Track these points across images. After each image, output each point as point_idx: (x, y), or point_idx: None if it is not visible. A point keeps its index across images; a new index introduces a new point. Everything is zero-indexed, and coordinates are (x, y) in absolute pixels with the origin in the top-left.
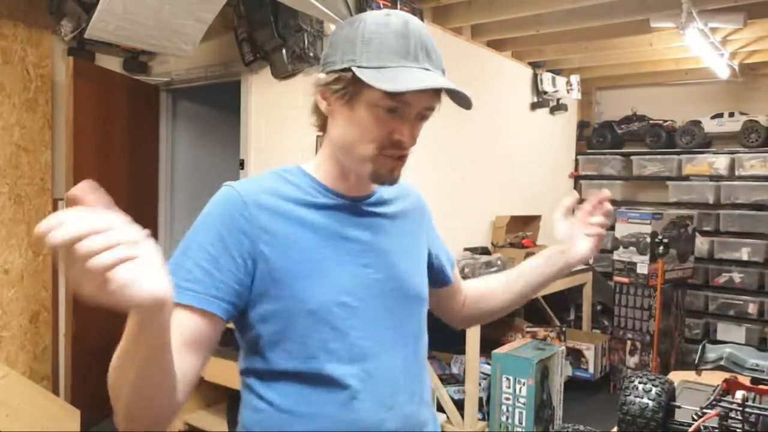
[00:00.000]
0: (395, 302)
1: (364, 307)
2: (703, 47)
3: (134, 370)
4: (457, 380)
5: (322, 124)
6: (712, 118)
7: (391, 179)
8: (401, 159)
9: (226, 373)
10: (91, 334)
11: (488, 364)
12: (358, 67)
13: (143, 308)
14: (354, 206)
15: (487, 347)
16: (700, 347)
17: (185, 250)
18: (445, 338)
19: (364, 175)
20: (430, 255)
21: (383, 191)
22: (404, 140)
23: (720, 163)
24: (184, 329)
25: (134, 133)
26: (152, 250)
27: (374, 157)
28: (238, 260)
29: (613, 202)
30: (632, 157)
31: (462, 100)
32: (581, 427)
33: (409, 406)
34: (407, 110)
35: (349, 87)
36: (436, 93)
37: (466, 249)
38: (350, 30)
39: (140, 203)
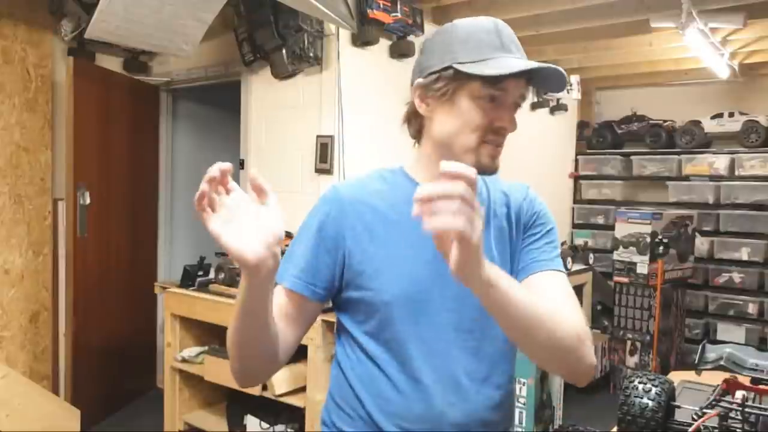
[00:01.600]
0: (477, 303)
1: (446, 307)
2: (703, 47)
3: (243, 324)
4: None
5: (418, 130)
6: (712, 118)
7: (492, 167)
8: (500, 147)
9: (226, 373)
10: (91, 334)
11: None
12: (460, 63)
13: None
14: None
15: None
16: (700, 347)
17: (296, 241)
18: None
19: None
20: (516, 262)
21: (480, 190)
22: (506, 125)
23: (720, 163)
24: (284, 305)
25: (134, 133)
26: None
27: (476, 146)
28: (332, 253)
29: (613, 202)
30: (632, 157)
31: (552, 85)
32: (581, 427)
33: (473, 402)
34: (505, 98)
35: (450, 83)
36: (527, 83)
37: None
38: (444, 36)
39: (140, 203)
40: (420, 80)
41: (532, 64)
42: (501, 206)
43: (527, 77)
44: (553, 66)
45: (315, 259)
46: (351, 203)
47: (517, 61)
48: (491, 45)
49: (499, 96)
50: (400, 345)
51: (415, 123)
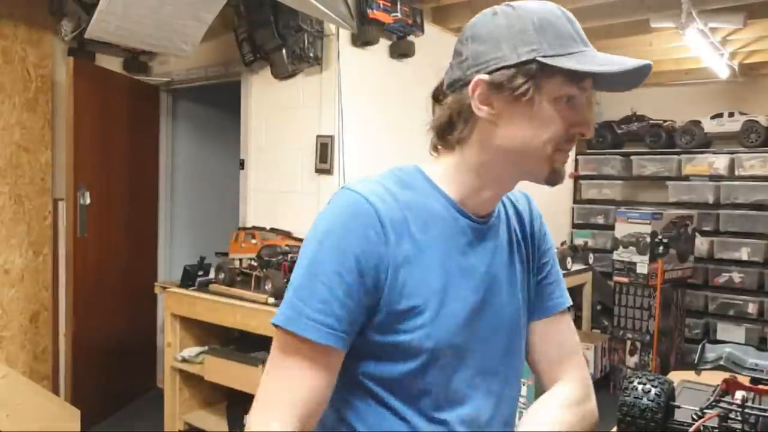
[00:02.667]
0: (503, 343)
1: (473, 348)
2: (703, 47)
3: None
4: None
5: (463, 136)
6: (712, 118)
7: (562, 177)
8: (568, 154)
9: (226, 373)
10: (91, 334)
11: None
12: (545, 56)
13: None
14: (478, 228)
15: None
16: (700, 347)
17: (316, 273)
18: None
19: (540, 176)
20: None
21: (499, 208)
22: (587, 131)
23: (720, 163)
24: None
25: (134, 133)
26: None
27: (552, 154)
28: (371, 292)
29: (613, 202)
30: (632, 157)
31: (623, 82)
32: None
33: None
34: (582, 98)
35: (530, 81)
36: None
37: None
38: (510, 20)
39: (140, 203)
40: (485, 77)
41: (638, 61)
42: (515, 222)
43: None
44: (649, 64)
45: (356, 304)
46: (391, 222)
47: (604, 57)
48: (569, 35)
49: (577, 96)
50: (430, 396)
51: (463, 127)
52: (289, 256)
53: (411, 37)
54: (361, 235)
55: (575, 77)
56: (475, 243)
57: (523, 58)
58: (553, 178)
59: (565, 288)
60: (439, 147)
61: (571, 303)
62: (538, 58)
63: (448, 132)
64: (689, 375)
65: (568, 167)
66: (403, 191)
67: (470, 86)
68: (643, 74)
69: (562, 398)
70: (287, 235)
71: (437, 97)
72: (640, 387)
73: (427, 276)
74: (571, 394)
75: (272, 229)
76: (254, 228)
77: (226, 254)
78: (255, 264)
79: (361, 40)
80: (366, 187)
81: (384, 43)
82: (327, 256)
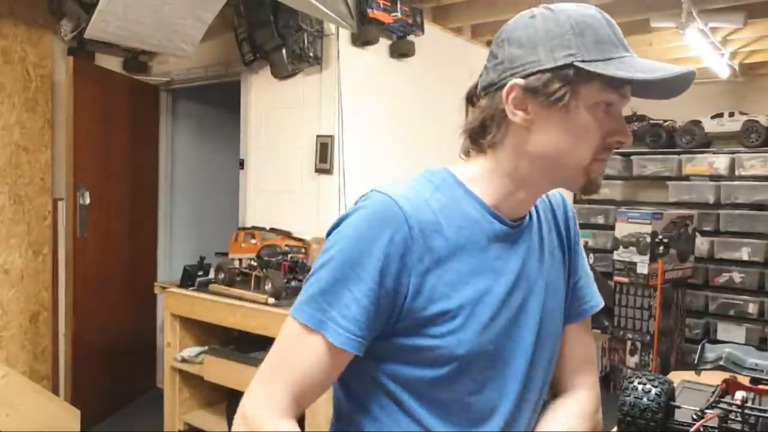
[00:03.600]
0: (541, 350)
1: (509, 356)
2: (703, 47)
3: None
4: None
5: (495, 143)
6: (712, 117)
7: (598, 187)
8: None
9: (226, 373)
10: (91, 334)
11: None
12: (583, 61)
13: None
14: (512, 233)
15: None
16: (699, 347)
17: (342, 277)
18: None
19: (575, 186)
20: (569, 279)
21: (534, 209)
22: (625, 139)
23: (720, 163)
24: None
25: (134, 133)
26: None
27: (590, 164)
28: (391, 296)
29: (614, 202)
30: (632, 157)
31: (665, 91)
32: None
33: None
34: (619, 106)
35: (567, 86)
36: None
37: None
38: (547, 24)
39: (140, 203)
40: (519, 81)
41: (682, 68)
42: (551, 223)
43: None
44: (693, 71)
45: (377, 310)
46: (419, 225)
47: (645, 63)
48: (608, 40)
49: (615, 103)
50: (463, 406)
51: (496, 132)
52: (289, 256)
53: (411, 37)
54: (387, 240)
55: (614, 83)
56: (509, 247)
57: (560, 63)
58: (588, 188)
59: (596, 289)
60: (471, 150)
61: (603, 303)
62: (575, 63)
63: (480, 136)
64: (690, 375)
65: None
66: (435, 194)
67: (505, 90)
68: (687, 81)
69: (580, 408)
70: (287, 235)
71: (471, 99)
72: (640, 387)
73: (459, 281)
74: (588, 404)
75: (272, 229)
76: (254, 228)
77: (225, 254)
78: (255, 264)
79: (361, 39)
80: (396, 191)
81: (384, 43)
82: (353, 259)
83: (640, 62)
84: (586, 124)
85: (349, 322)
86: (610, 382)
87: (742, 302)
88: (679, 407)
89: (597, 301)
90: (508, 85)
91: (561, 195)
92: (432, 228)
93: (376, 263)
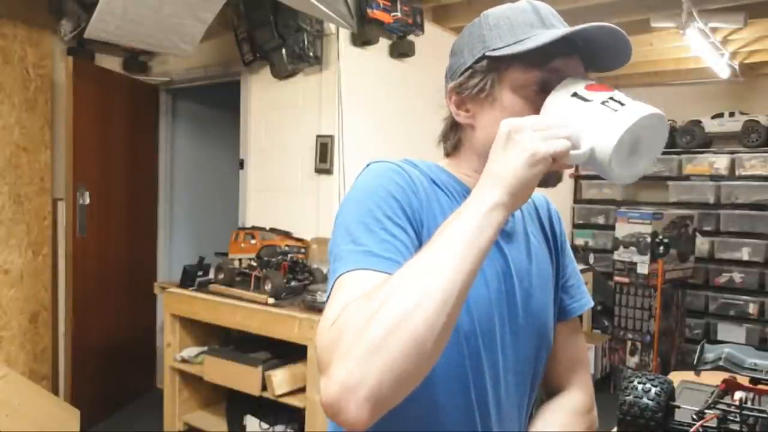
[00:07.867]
0: (535, 343)
1: (503, 343)
2: (703, 47)
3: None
4: None
5: (455, 145)
6: (713, 117)
7: (558, 179)
8: None
9: (226, 373)
10: (90, 334)
11: None
12: (492, 49)
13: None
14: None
15: None
16: (699, 347)
17: (368, 222)
18: None
19: None
20: (558, 279)
21: (519, 210)
22: None
23: (720, 163)
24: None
25: (134, 133)
26: None
27: None
28: (414, 234)
29: (614, 202)
30: None
31: (612, 58)
32: None
33: None
34: (557, 83)
35: (486, 76)
36: (582, 60)
37: None
38: (472, 29)
39: (140, 203)
40: (451, 83)
41: (579, 27)
42: (536, 222)
43: (581, 54)
44: (609, 26)
45: (407, 235)
46: (422, 186)
47: (566, 29)
48: (527, 23)
49: (549, 81)
50: (455, 389)
51: (453, 136)
52: (289, 256)
53: (411, 37)
54: (398, 187)
55: (536, 61)
56: (499, 241)
57: (476, 57)
58: (545, 180)
59: (585, 288)
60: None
61: (593, 303)
62: (486, 53)
63: (444, 140)
64: (690, 375)
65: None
66: (429, 173)
67: (446, 95)
68: (621, 39)
69: (572, 405)
70: (287, 235)
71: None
72: (640, 387)
73: None
74: (581, 402)
75: (272, 229)
76: (254, 228)
77: (225, 254)
78: (254, 264)
79: (361, 39)
80: (393, 160)
81: (384, 43)
82: (374, 204)
83: (555, 32)
84: (519, 109)
85: (392, 253)
86: (610, 382)
87: (742, 302)
88: (678, 407)
89: (586, 301)
90: (447, 90)
91: (544, 196)
92: (430, 193)
93: (396, 204)
